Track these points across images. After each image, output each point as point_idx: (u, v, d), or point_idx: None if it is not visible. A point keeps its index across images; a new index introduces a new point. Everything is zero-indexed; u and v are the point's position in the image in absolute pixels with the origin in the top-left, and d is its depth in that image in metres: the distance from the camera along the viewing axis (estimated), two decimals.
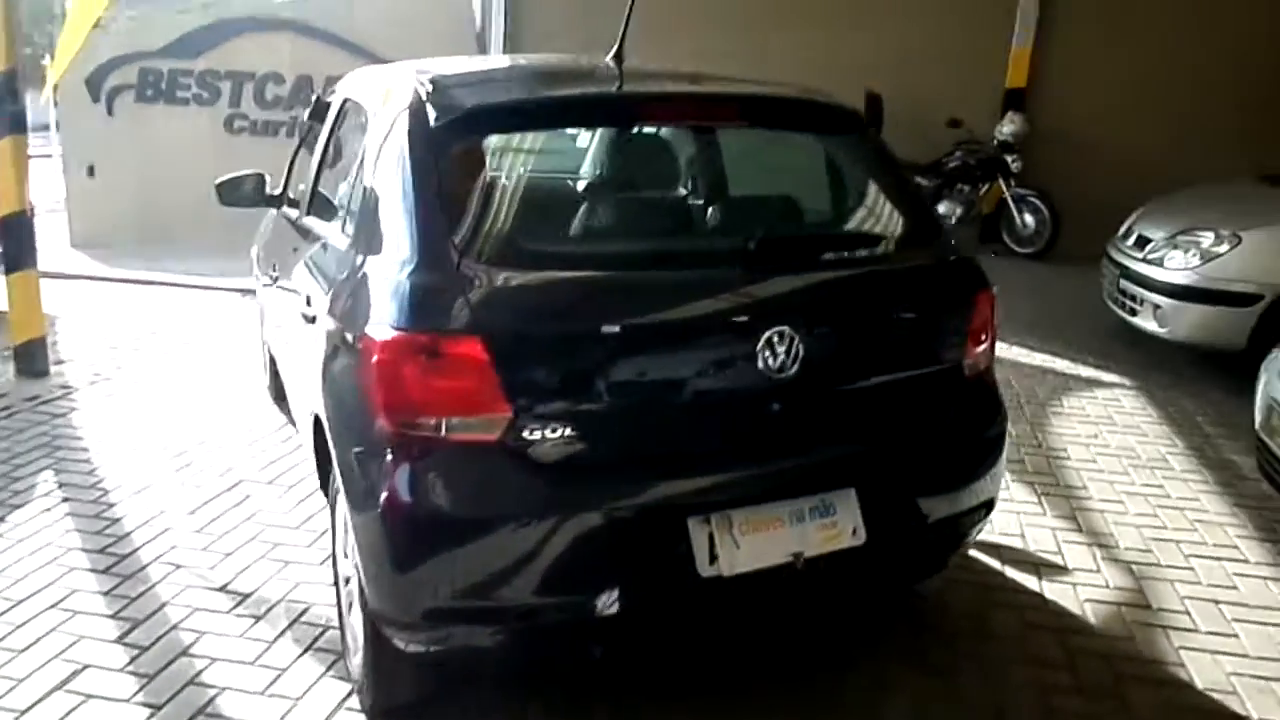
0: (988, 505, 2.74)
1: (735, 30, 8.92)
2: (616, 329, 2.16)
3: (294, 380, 3.36)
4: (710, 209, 2.88)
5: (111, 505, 3.72)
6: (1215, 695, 2.75)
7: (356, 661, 2.55)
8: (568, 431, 2.11)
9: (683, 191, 2.87)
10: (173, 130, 9.42)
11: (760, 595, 2.32)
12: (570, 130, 2.69)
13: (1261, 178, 5.96)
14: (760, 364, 2.23)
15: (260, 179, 3.98)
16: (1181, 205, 5.82)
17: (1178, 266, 5.34)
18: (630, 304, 2.21)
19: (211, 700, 2.62)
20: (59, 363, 5.39)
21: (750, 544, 2.23)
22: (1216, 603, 3.22)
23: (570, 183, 2.70)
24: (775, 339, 2.23)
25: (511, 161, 2.65)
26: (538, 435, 2.09)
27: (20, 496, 3.78)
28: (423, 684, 2.46)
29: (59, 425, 4.52)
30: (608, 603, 2.18)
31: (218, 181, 3.94)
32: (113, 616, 2.99)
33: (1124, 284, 5.70)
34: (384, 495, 2.11)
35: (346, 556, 2.62)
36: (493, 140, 2.41)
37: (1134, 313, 5.63)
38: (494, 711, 2.58)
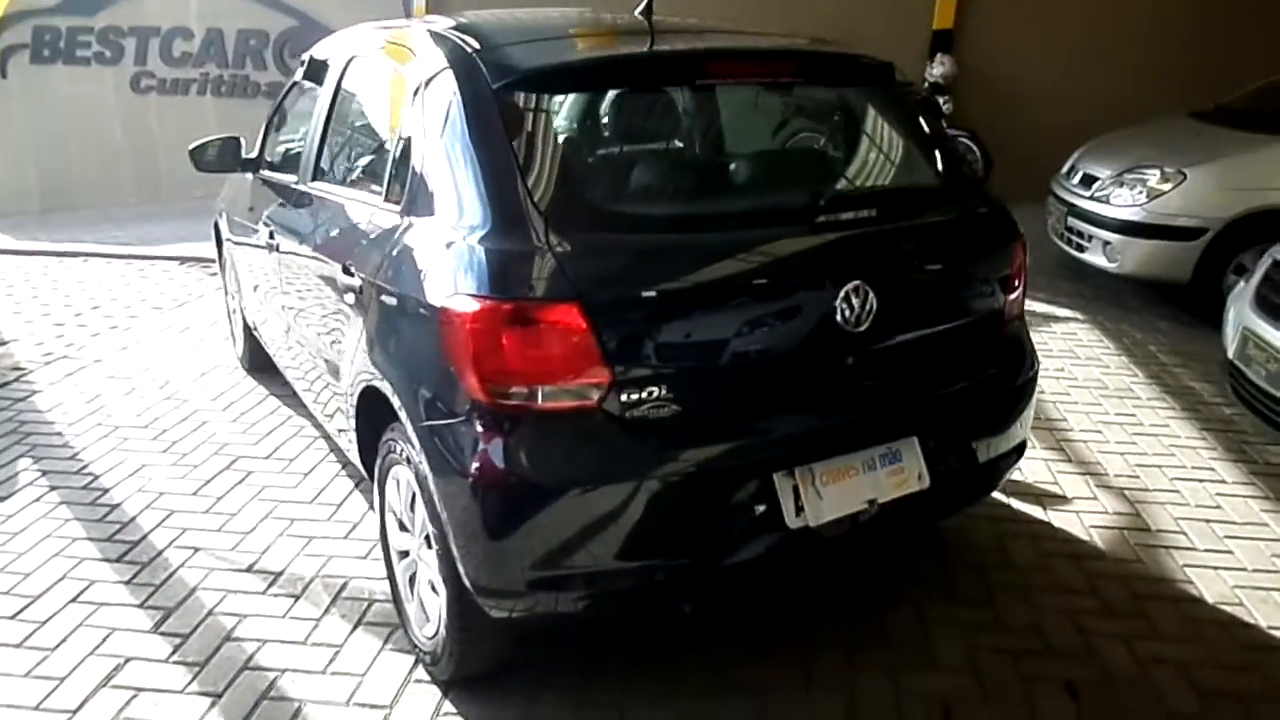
0: (1020, 448, 2.86)
1: None
2: (706, 289, 2.18)
3: (311, 352, 3.24)
4: (774, 165, 2.87)
5: (106, 490, 3.57)
6: (1226, 608, 2.95)
7: (426, 633, 2.52)
8: (663, 393, 2.12)
9: (743, 148, 2.86)
10: (74, 92, 8.96)
11: (842, 542, 2.38)
12: (631, 90, 2.62)
13: (1191, 114, 6.21)
14: (838, 318, 2.27)
15: (236, 142, 3.85)
16: (1124, 144, 6.02)
17: (1125, 203, 5.54)
18: (717, 264, 2.21)
19: (273, 684, 2.56)
20: (3, 343, 5.10)
21: (831, 494, 2.29)
22: (1208, 522, 3.43)
23: (636, 143, 2.64)
24: (852, 293, 2.27)
25: (575, 122, 2.59)
26: (635, 398, 2.09)
27: (2, 488, 3.58)
28: (505, 650, 2.45)
29: (22, 410, 4.28)
30: (704, 560, 2.21)
31: (191, 147, 3.82)
32: (141, 606, 2.89)
33: (1072, 221, 5.90)
34: (479, 466, 2.08)
35: (405, 530, 2.58)
36: (555, 101, 2.35)
37: (1082, 249, 5.85)
38: (565, 671, 2.58)
